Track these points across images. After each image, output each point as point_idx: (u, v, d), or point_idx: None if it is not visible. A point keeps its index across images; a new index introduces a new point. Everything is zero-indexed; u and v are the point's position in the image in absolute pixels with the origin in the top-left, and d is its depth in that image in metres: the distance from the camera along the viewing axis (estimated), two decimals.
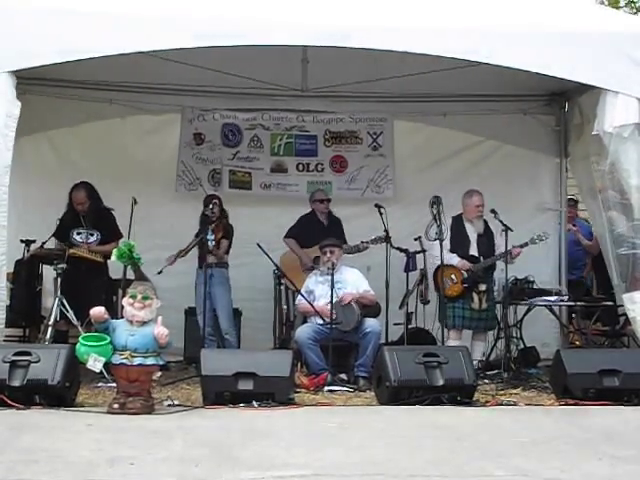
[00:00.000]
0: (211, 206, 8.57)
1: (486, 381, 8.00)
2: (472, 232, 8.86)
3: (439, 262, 8.41)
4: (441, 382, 6.81)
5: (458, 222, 8.85)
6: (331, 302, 8.07)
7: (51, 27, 7.06)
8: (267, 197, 10.17)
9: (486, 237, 8.85)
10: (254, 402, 6.62)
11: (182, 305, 9.23)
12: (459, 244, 8.79)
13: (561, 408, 6.87)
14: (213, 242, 8.37)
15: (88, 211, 8.53)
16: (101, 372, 6.84)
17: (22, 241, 8.46)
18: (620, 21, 8.12)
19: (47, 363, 6.45)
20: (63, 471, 4.46)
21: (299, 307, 8.60)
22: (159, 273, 8.39)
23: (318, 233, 9.03)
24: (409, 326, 8.79)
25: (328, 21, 7.22)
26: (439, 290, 8.53)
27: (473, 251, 8.80)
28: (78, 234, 8.49)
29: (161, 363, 6.54)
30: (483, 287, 8.68)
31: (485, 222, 8.86)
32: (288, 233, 9.40)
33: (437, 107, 9.86)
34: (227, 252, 8.86)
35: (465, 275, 8.65)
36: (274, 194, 10.17)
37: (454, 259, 8.69)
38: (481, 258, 8.76)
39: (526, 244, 8.60)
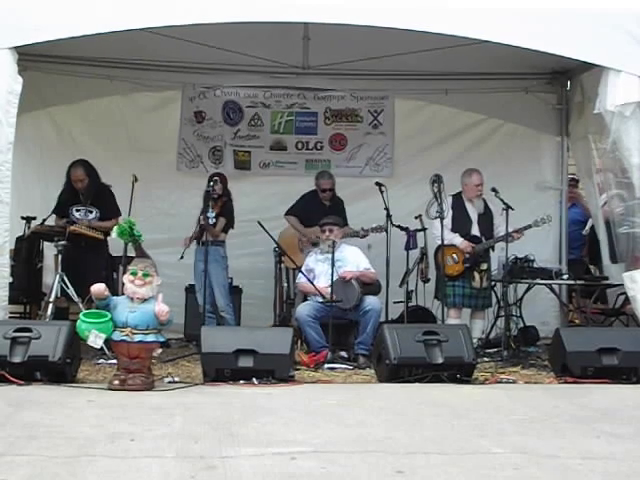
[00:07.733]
0: (212, 183, 8.56)
1: (486, 359, 8.03)
2: (473, 212, 8.84)
3: (440, 241, 8.41)
4: (441, 360, 6.82)
5: (459, 201, 8.83)
6: (331, 280, 8.08)
7: (52, 4, 7.04)
8: (266, 176, 10.16)
9: (486, 216, 8.85)
10: (254, 379, 6.64)
11: (183, 282, 9.25)
12: (460, 224, 8.77)
13: (560, 386, 6.89)
14: (214, 219, 8.37)
15: (87, 188, 8.52)
16: (102, 349, 6.89)
17: (23, 218, 8.49)
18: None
19: (48, 340, 6.47)
20: (63, 447, 4.48)
21: (299, 286, 8.60)
22: (181, 259, 8.53)
23: (319, 214, 8.92)
24: (409, 304, 8.79)
25: None
26: (439, 269, 8.54)
27: (475, 231, 8.79)
28: (77, 211, 8.51)
29: (161, 340, 6.55)
30: (484, 266, 8.68)
31: (484, 201, 8.85)
32: (289, 211, 9.39)
33: (439, 85, 9.83)
34: (225, 231, 8.85)
35: (467, 255, 8.65)
36: (272, 172, 10.16)
37: (456, 239, 8.68)
38: (482, 238, 8.77)
39: (529, 226, 8.57)
